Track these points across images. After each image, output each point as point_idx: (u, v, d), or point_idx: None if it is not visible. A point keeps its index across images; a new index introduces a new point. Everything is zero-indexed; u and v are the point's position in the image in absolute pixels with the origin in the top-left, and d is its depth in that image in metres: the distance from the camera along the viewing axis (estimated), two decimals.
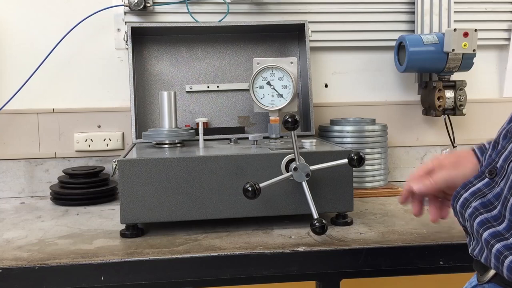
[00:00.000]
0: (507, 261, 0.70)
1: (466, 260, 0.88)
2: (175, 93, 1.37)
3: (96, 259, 1.04)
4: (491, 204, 0.77)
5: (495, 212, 0.75)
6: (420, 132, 1.79)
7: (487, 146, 0.91)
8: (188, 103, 1.60)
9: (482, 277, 0.78)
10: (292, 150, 1.19)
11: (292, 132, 1.11)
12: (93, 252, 1.08)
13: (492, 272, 0.76)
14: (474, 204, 0.78)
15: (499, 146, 0.81)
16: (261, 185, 1.09)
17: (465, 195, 0.81)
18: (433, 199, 1.00)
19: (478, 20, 1.76)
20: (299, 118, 1.11)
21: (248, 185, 1.08)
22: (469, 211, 0.79)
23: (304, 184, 1.13)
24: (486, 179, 0.79)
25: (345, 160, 1.10)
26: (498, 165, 0.78)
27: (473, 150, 0.94)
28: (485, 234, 0.74)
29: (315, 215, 1.10)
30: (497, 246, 0.72)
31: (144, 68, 1.59)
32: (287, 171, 1.17)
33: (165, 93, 1.35)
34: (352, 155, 1.10)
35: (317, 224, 1.08)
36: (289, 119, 1.09)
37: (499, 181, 0.77)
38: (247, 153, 1.20)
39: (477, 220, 0.76)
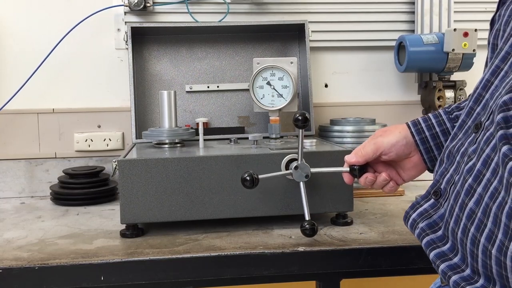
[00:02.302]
0: (451, 281, 0.72)
1: None
2: (175, 92, 1.37)
3: (96, 259, 1.04)
4: (436, 225, 0.79)
5: (440, 232, 0.78)
6: None
7: (421, 121, 0.97)
8: (188, 103, 1.60)
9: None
10: (294, 149, 1.19)
11: (301, 130, 1.11)
12: (93, 252, 1.08)
13: None
14: (421, 225, 0.81)
15: (443, 166, 0.82)
16: (260, 176, 1.09)
17: (413, 215, 0.84)
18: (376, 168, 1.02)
19: (478, 20, 1.75)
20: (309, 117, 1.10)
21: (246, 175, 1.08)
22: (416, 231, 0.82)
23: (302, 185, 1.13)
24: (432, 200, 0.82)
25: (347, 168, 1.09)
26: (442, 187, 0.80)
27: (406, 123, 0.98)
28: (431, 255, 0.77)
29: (307, 217, 1.11)
30: (442, 267, 0.75)
31: (144, 68, 1.59)
32: (287, 168, 1.17)
33: (165, 93, 1.35)
34: (355, 166, 1.09)
35: (307, 226, 1.08)
36: (300, 117, 1.08)
37: (443, 203, 0.79)
38: (247, 153, 1.20)
39: (424, 241, 0.80)
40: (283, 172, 1.15)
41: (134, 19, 1.65)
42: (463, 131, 0.82)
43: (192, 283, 1.07)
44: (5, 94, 1.60)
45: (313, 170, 1.13)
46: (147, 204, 1.15)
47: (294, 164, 1.14)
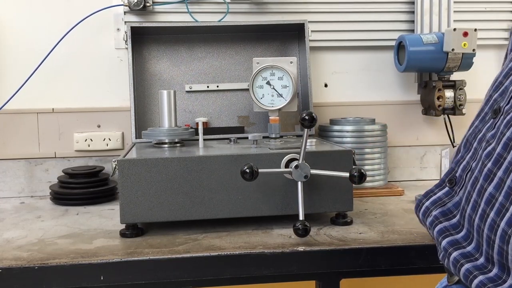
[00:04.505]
0: (463, 269, 0.71)
1: None
2: (174, 92, 1.37)
3: (96, 259, 1.04)
4: (450, 212, 0.79)
5: (454, 220, 0.77)
6: (420, 131, 1.79)
7: None
8: (188, 103, 1.60)
9: (451, 278, 0.80)
10: (293, 149, 1.19)
11: (306, 130, 1.11)
12: (93, 252, 1.08)
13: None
14: (434, 213, 0.81)
15: (459, 155, 0.82)
16: (260, 170, 1.09)
17: (426, 203, 0.83)
18: None
19: (478, 20, 1.76)
20: (316, 117, 1.10)
21: (246, 167, 1.08)
22: (429, 219, 0.81)
23: (300, 185, 1.13)
24: (446, 188, 0.82)
25: (347, 174, 1.09)
26: (457, 175, 0.80)
27: None
28: (444, 242, 0.76)
29: (301, 217, 1.11)
30: (454, 254, 0.74)
31: (144, 68, 1.59)
32: (286, 167, 1.17)
33: (164, 92, 1.35)
34: (354, 172, 1.09)
35: (299, 226, 1.08)
36: (306, 117, 1.07)
37: (458, 191, 0.79)
38: (247, 152, 1.20)
39: (437, 228, 0.79)
40: (283, 169, 1.16)
41: (133, 19, 1.65)
42: (480, 118, 0.82)
43: (192, 283, 1.07)
44: (5, 94, 1.59)
45: (313, 171, 1.13)
46: (147, 204, 1.15)
47: (295, 163, 1.14)
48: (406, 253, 1.10)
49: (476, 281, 0.69)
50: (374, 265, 1.09)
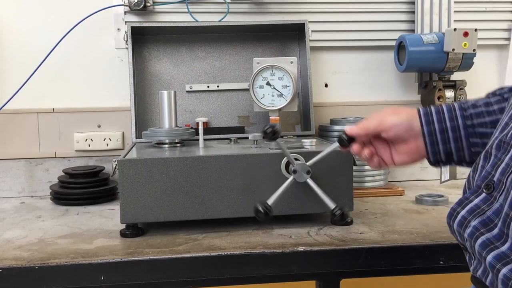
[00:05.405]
0: None
1: (466, 260, 0.88)
2: (175, 92, 1.37)
3: (96, 259, 1.04)
4: (491, 222, 0.71)
5: (496, 230, 0.69)
6: None
7: (433, 111, 0.92)
8: (188, 103, 1.60)
9: None
10: (294, 149, 1.19)
11: (276, 142, 1.08)
12: (93, 252, 1.08)
13: None
14: (473, 223, 0.72)
15: (493, 158, 0.75)
16: (270, 202, 1.05)
17: (463, 213, 0.75)
18: (372, 143, 0.99)
19: (478, 20, 1.76)
20: (279, 128, 1.06)
21: (260, 207, 1.03)
22: (468, 231, 0.73)
23: (310, 181, 1.13)
24: (484, 194, 0.73)
25: (336, 144, 1.06)
26: (495, 179, 0.73)
27: (418, 109, 0.94)
28: (489, 258, 0.68)
29: (332, 205, 1.09)
30: (504, 271, 0.66)
31: (144, 68, 1.59)
32: (287, 171, 1.17)
33: (165, 93, 1.35)
34: (343, 134, 1.04)
35: (337, 212, 1.07)
36: (267, 130, 1.03)
37: (498, 196, 0.71)
38: (247, 153, 1.20)
39: (479, 241, 0.70)
40: (287, 183, 1.12)
41: (134, 19, 1.65)
42: None
43: (192, 283, 1.07)
44: (5, 94, 1.60)
45: (309, 162, 1.13)
46: (147, 204, 1.15)
47: (292, 168, 1.13)
48: (406, 253, 1.10)
49: None
50: (374, 265, 1.09)
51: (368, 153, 0.98)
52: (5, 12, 1.62)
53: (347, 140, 0.99)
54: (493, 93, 0.93)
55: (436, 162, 0.93)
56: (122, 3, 1.62)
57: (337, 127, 1.57)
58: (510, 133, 0.73)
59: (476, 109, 0.91)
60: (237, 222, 1.22)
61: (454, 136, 0.91)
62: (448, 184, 1.62)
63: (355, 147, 0.99)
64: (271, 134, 1.04)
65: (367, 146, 0.99)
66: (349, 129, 0.98)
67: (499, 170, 0.72)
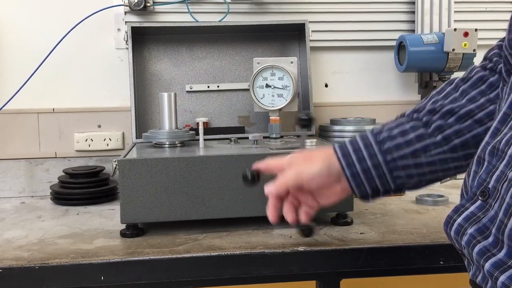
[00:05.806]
0: None
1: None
2: (175, 94, 1.37)
3: (96, 259, 1.04)
4: (487, 229, 0.70)
5: (491, 238, 0.69)
6: None
7: (351, 151, 0.89)
8: (188, 103, 1.60)
9: None
10: (294, 149, 1.19)
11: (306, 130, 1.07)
12: (93, 252, 1.08)
13: None
14: (469, 230, 0.72)
15: (487, 164, 0.74)
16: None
17: (459, 220, 0.74)
18: (292, 199, 0.97)
19: (478, 20, 1.76)
20: (314, 116, 1.06)
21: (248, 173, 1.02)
22: (465, 238, 0.72)
23: None
24: (479, 202, 0.73)
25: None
26: (490, 186, 0.72)
27: (334, 150, 0.91)
28: (487, 265, 0.68)
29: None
30: (501, 278, 0.65)
31: (144, 68, 1.59)
32: None
33: (165, 95, 1.35)
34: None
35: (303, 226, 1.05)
36: (302, 117, 1.02)
37: (493, 204, 0.70)
38: (247, 153, 1.20)
39: (476, 249, 0.70)
40: None
41: (134, 19, 1.65)
42: (509, 125, 0.74)
43: (192, 283, 1.07)
44: (5, 94, 1.60)
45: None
46: (147, 204, 1.15)
47: None
48: (406, 253, 1.10)
49: None
50: (375, 265, 1.09)
51: (289, 208, 0.95)
52: (5, 12, 1.62)
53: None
54: (409, 116, 0.91)
55: (363, 197, 0.92)
56: (122, 3, 1.62)
57: (337, 127, 1.57)
58: (504, 140, 0.72)
59: (392, 141, 0.89)
60: (237, 222, 1.22)
61: (377, 174, 0.89)
62: (448, 184, 1.62)
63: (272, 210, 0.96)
64: (307, 121, 1.01)
65: (285, 199, 0.96)
66: (267, 189, 0.95)
67: (494, 177, 0.71)
